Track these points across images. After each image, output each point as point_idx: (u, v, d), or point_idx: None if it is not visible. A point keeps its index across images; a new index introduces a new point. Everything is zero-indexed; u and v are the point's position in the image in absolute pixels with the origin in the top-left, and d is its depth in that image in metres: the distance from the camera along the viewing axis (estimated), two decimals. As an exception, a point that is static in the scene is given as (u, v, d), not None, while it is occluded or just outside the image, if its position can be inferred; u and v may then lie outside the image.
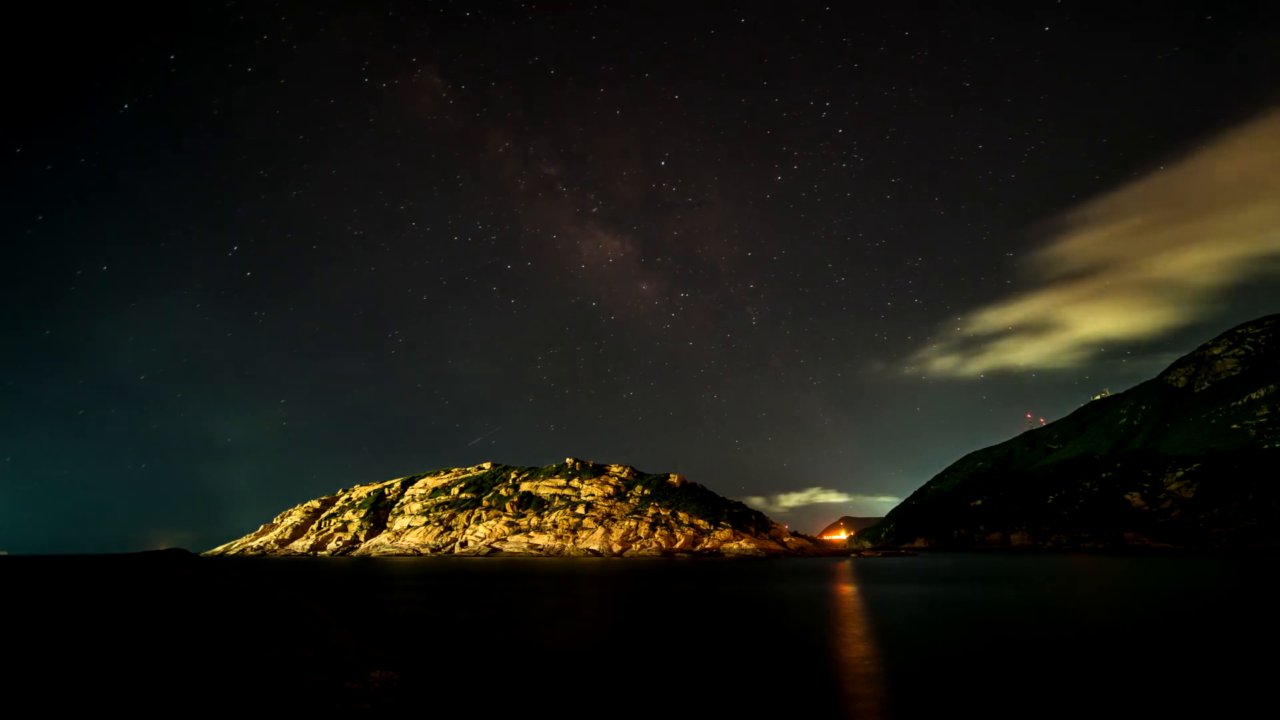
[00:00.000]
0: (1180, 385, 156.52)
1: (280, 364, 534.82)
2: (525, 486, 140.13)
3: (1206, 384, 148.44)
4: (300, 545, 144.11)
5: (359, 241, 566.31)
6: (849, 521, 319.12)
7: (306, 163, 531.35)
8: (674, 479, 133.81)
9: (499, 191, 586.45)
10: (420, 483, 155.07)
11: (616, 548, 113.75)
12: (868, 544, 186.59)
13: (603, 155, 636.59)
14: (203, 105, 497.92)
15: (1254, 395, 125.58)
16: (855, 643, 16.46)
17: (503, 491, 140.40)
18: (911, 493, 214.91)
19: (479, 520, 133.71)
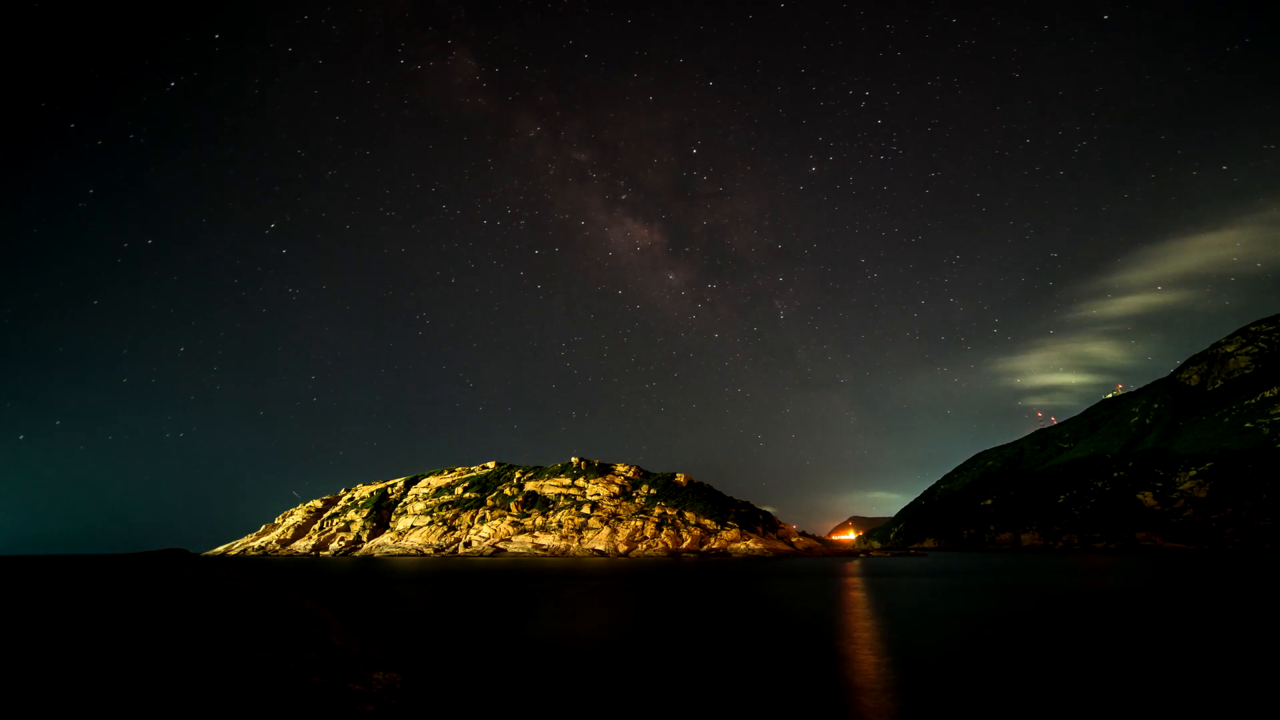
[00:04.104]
0: (1193, 384, 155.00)
1: (312, 340, 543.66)
2: (530, 486, 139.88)
3: (1219, 382, 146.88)
4: (302, 545, 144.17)
5: (390, 222, 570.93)
6: (858, 521, 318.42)
7: (342, 143, 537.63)
8: (681, 478, 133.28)
9: (529, 176, 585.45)
10: (424, 482, 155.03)
11: (622, 548, 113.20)
12: (877, 544, 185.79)
13: (634, 142, 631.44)
14: (244, 85, 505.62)
15: (1268, 394, 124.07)
16: (863, 649, 15.84)
17: (507, 491, 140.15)
18: (921, 492, 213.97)
19: (483, 520, 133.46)
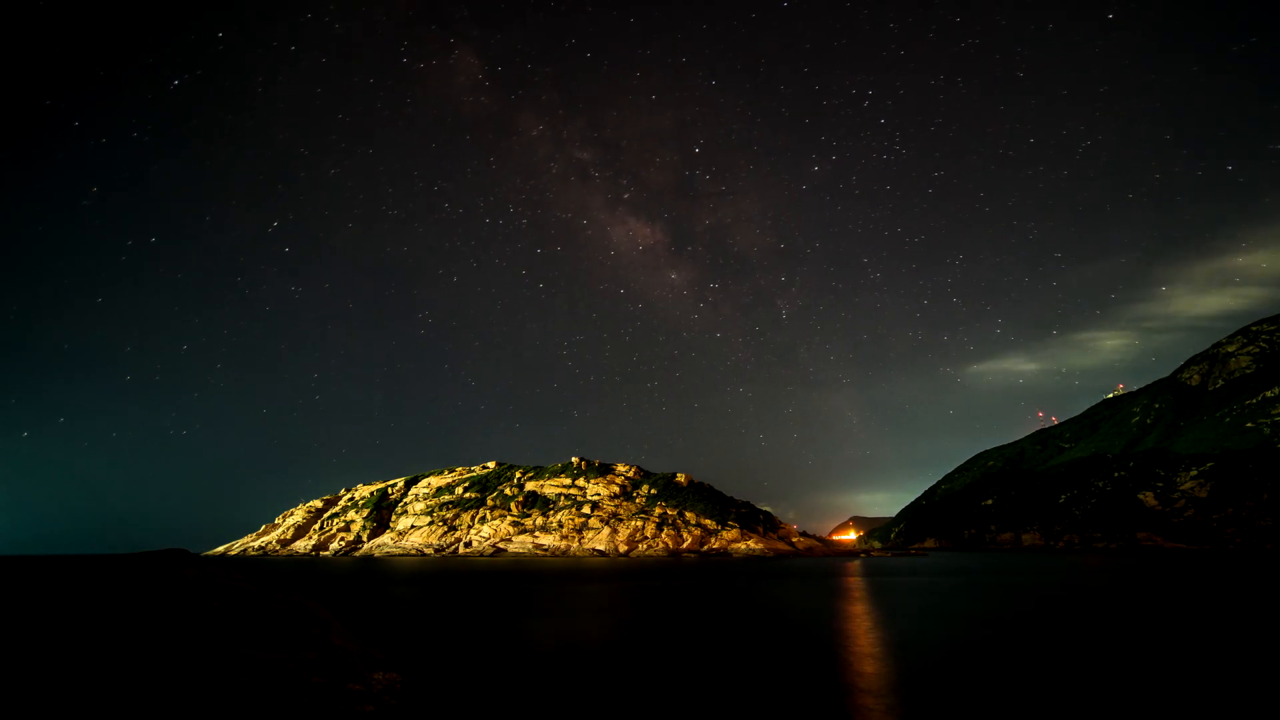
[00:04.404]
0: (1194, 383, 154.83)
1: (314, 339, 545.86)
2: (530, 486, 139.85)
3: (1221, 382, 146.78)
4: (302, 545, 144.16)
5: (393, 221, 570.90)
6: (858, 521, 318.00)
7: (345, 141, 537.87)
8: (681, 478, 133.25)
9: (531, 175, 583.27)
10: (424, 482, 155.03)
11: (623, 548, 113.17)
12: (877, 544, 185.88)
13: (636, 141, 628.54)
14: (247, 83, 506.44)
15: (1269, 393, 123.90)
16: (863, 649, 15.80)
17: (508, 491, 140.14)
18: (922, 492, 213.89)
19: (483, 520, 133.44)
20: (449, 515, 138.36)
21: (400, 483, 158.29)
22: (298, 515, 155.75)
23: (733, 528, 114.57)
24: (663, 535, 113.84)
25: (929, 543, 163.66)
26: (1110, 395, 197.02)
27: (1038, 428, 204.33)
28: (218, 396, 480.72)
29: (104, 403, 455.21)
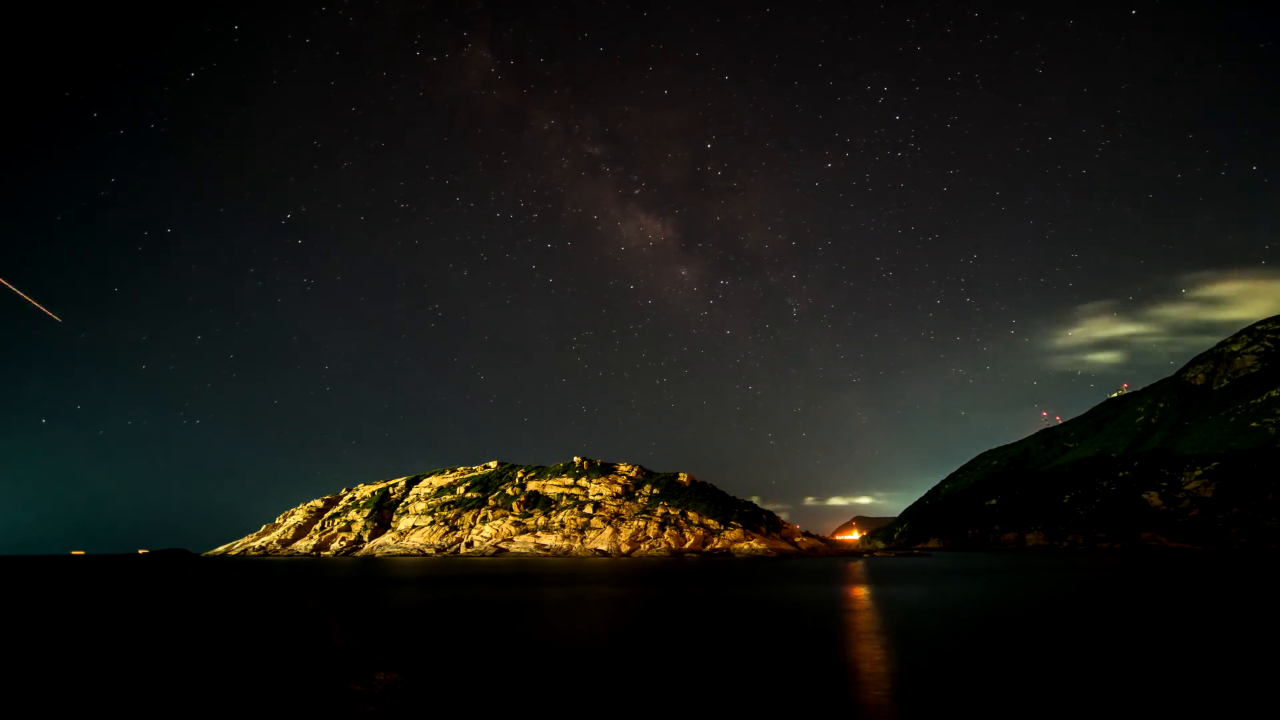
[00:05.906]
0: (1199, 383, 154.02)
1: (325, 331, 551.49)
2: (532, 486, 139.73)
3: (1225, 381, 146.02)
4: (303, 545, 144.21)
5: (404, 214, 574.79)
6: (862, 521, 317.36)
7: (357, 135, 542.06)
8: (683, 478, 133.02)
9: (542, 169, 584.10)
10: (425, 481, 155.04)
11: (625, 548, 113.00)
12: (880, 544, 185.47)
13: (648, 136, 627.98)
14: (262, 75, 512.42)
15: (1273, 393, 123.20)
16: (864, 651, 15.62)
17: (509, 491, 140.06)
18: (925, 492, 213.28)
19: (485, 520, 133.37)
20: (450, 515, 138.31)
21: (401, 482, 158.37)
22: (298, 515, 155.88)
23: (735, 528, 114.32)
24: (665, 535, 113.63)
25: (932, 543, 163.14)
26: (1114, 394, 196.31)
27: (1042, 427, 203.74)
28: (230, 387, 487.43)
29: (119, 392, 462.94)
